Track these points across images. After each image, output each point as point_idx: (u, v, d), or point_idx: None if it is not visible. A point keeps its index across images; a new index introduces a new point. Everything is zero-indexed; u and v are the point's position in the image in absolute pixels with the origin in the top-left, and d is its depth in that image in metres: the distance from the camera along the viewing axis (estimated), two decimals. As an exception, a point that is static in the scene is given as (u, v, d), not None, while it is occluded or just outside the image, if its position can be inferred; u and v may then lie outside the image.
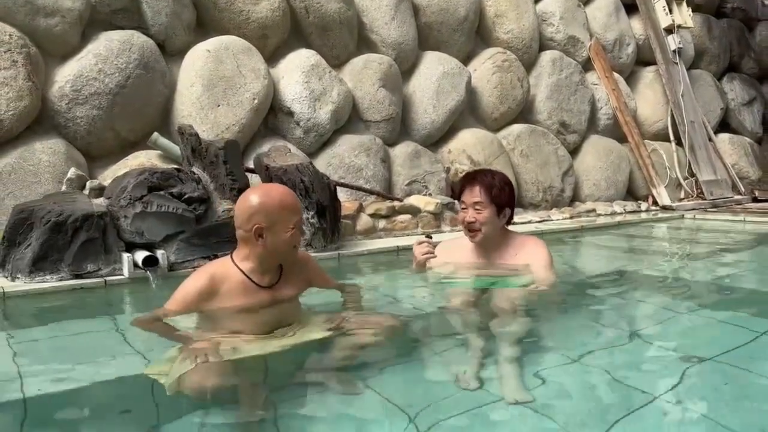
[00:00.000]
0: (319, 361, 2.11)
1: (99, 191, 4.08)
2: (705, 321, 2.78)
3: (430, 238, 2.94)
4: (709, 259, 4.54)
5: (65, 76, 4.64)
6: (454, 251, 3.11)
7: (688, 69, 9.07)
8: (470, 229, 2.90)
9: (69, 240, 3.45)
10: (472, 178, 2.94)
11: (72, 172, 4.27)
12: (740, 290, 3.44)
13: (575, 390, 1.95)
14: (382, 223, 5.17)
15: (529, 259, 2.96)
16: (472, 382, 1.91)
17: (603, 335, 2.50)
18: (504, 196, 2.89)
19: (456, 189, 6.19)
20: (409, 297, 3.16)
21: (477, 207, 2.85)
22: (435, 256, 2.89)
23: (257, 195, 2.20)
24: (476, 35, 7.31)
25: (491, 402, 1.80)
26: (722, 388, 1.91)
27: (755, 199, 8.50)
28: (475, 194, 2.86)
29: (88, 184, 4.18)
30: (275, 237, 2.16)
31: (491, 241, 2.95)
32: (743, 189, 8.74)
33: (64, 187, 4.23)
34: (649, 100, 8.63)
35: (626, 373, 2.05)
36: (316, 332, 2.17)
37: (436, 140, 6.65)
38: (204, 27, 5.59)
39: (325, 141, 5.76)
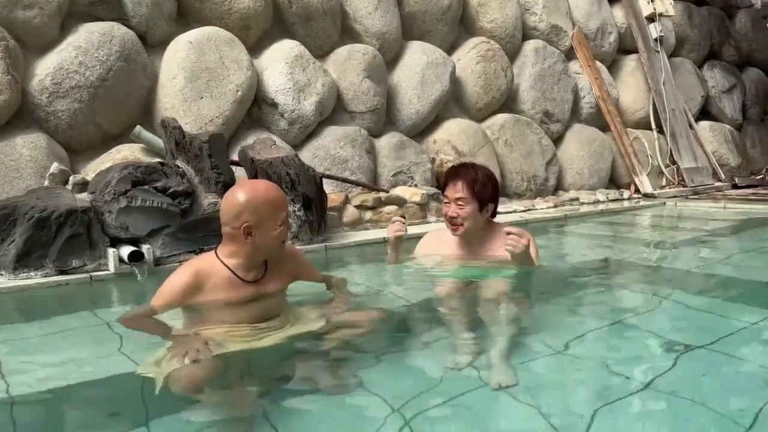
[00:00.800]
0: (306, 355, 2.12)
1: (82, 186, 4.05)
2: (689, 308, 2.84)
3: (404, 218, 3.03)
4: (691, 246, 4.62)
5: (45, 69, 4.57)
6: (438, 242, 3.14)
7: (669, 57, 9.14)
8: (452, 223, 2.93)
9: (53, 236, 3.42)
10: (455, 173, 2.95)
11: (54, 166, 4.22)
12: (722, 277, 3.50)
13: (560, 378, 1.99)
14: (368, 215, 5.18)
15: None
16: (458, 368, 1.97)
17: (587, 324, 2.54)
18: (487, 191, 2.91)
19: (441, 180, 6.22)
20: (395, 289, 3.18)
21: (459, 202, 2.88)
22: (405, 232, 3.03)
23: (244, 192, 2.18)
24: (460, 24, 7.31)
25: (476, 391, 1.83)
26: (706, 375, 1.96)
27: (735, 186, 8.62)
28: (457, 190, 2.87)
29: (71, 178, 4.14)
30: (264, 234, 2.16)
31: (475, 234, 2.98)
32: (723, 176, 8.86)
33: (46, 182, 4.19)
34: (631, 88, 8.69)
35: (611, 361, 2.09)
36: (304, 326, 2.19)
37: (421, 131, 6.66)
38: (185, 18, 5.53)
39: (310, 132, 5.74)
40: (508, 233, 2.72)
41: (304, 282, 2.61)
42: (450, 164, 6.10)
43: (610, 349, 2.26)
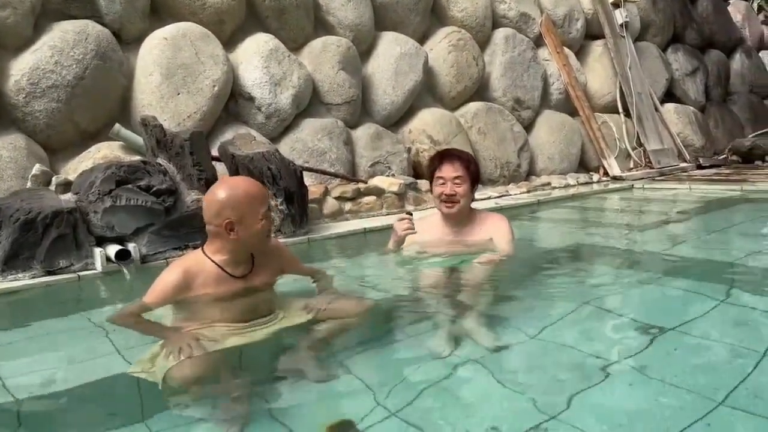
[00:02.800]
0: (296, 348, 2.18)
1: (65, 186, 4.07)
2: (659, 290, 2.97)
3: (411, 215, 3.08)
4: (659, 228, 4.79)
5: (21, 69, 4.55)
6: (423, 229, 3.25)
7: (635, 41, 9.36)
8: (450, 201, 3.06)
9: (40, 237, 3.46)
10: (449, 154, 3.16)
11: (37, 168, 4.23)
12: (689, 258, 3.65)
13: (539, 362, 2.09)
14: (348, 206, 5.28)
15: (492, 233, 3.14)
16: (442, 357, 2.09)
17: (563, 307, 2.65)
18: (477, 172, 3.17)
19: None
20: (379, 279, 3.27)
21: (456, 181, 3.04)
22: (415, 232, 3.05)
23: (223, 189, 2.24)
24: (431, 14, 7.40)
25: (460, 377, 1.93)
26: (678, 354, 2.07)
27: (700, 166, 8.89)
28: (456, 169, 3.05)
29: (53, 179, 4.16)
30: (246, 229, 2.21)
31: (460, 217, 3.11)
32: (688, 157, 9.13)
33: (29, 184, 4.20)
34: (598, 73, 8.89)
35: (586, 343, 2.20)
36: (293, 319, 2.25)
37: (396, 121, 6.76)
38: (159, 14, 5.52)
39: (287, 126, 5.80)
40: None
41: (291, 275, 2.68)
42: (426, 153, 6.25)
43: (585, 332, 2.36)
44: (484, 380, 1.91)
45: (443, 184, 3.06)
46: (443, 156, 3.15)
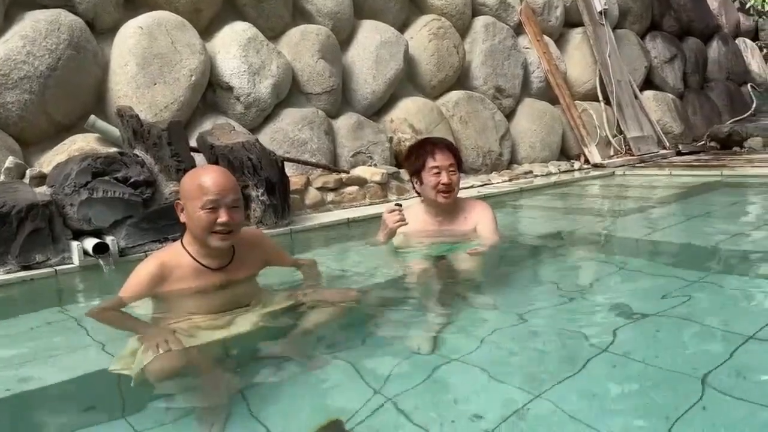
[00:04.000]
0: (279, 338, 2.14)
1: (40, 179, 3.97)
2: (642, 274, 2.99)
3: (400, 206, 2.99)
4: (640, 214, 4.82)
5: (-9, 59, 4.44)
6: (412, 220, 3.21)
7: (614, 29, 9.40)
8: (447, 191, 3.01)
9: (14, 231, 3.36)
10: (438, 143, 3.09)
11: (10, 160, 4.12)
12: (670, 243, 3.68)
13: (524, 347, 2.08)
14: (330, 196, 5.23)
15: (477, 222, 3.13)
16: (427, 346, 2.06)
17: (547, 294, 2.65)
18: (461, 160, 3.15)
19: (401, 158, 6.29)
20: (364, 269, 3.24)
21: (451, 169, 3.00)
22: (406, 224, 2.96)
23: (188, 173, 2.24)
24: (410, 2, 7.35)
25: (447, 366, 1.90)
26: (660, 337, 2.07)
27: (679, 153, 8.97)
28: (448, 157, 3.01)
29: (27, 172, 4.05)
30: (189, 215, 2.15)
31: (447, 206, 3.07)
32: (668, 144, 9.21)
33: (2, 177, 4.09)
34: (577, 61, 8.91)
35: (571, 329, 2.19)
36: (274, 307, 2.22)
37: (378, 110, 6.71)
38: (133, 3, 5.41)
39: (267, 116, 5.73)
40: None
41: (274, 267, 2.64)
42: (407, 143, 6.20)
43: (568, 318, 2.36)
44: (469, 367, 1.90)
45: (438, 173, 2.99)
46: (435, 144, 3.07)
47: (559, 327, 2.22)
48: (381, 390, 1.76)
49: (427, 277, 2.89)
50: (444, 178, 2.98)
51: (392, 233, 3.03)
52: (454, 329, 2.23)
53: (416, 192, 3.19)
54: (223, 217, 2.12)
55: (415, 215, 3.13)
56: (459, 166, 3.08)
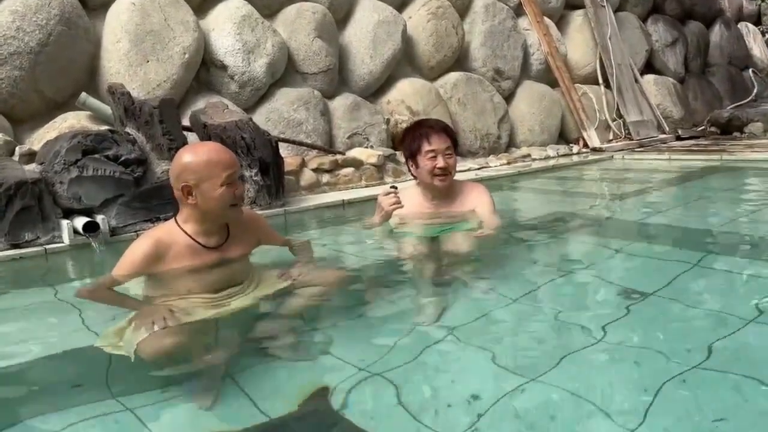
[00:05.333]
0: (272, 317, 2.14)
1: (29, 157, 3.91)
2: (639, 258, 2.97)
3: (396, 189, 2.94)
4: (639, 198, 4.79)
5: (-20, 35, 4.35)
6: (408, 202, 3.16)
7: (615, 12, 9.28)
8: (444, 174, 2.95)
9: (3, 209, 3.32)
10: (434, 125, 3.01)
11: (-1, 137, 4.06)
12: (668, 227, 3.66)
13: (520, 328, 2.07)
14: (325, 178, 5.17)
15: (474, 205, 3.07)
16: (424, 325, 2.06)
17: (544, 276, 2.64)
18: (458, 142, 3.09)
19: (398, 139, 6.22)
20: (359, 250, 3.23)
21: (447, 153, 2.94)
22: (402, 206, 2.91)
23: (185, 152, 2.16)
24: (409, -19, 7.23)
25: (442, 346, 1.89)
26: (657, 320, 2.06)
27: (679, 138, 8.90)
28: (445, 140, 2.95)
29: (17, 149, 3.99)
30: (204, 195, 2.11)
31: (444, 189, 3.02)
32: (667, 128, 9.14)
33: (-10, 154, 4.03)
34: (578, 44, 8.80)
35: (567, 311, 2.18)
36: (269, 288, 2.20)
37: (375, 91, 6.62)
38: (126, -22, 5.30)
39: (261, 95, 5.65)
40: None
41: (268, 246, 2.61)
42: (404, 124, 6.13)
43: (566, 300, 2.35)
44: (465, 347, 1.89)
45: (434, 157, 2.93)
46: (431, 127, 2.99)
47: (555, 309, 2.21)
48: (370, 368, 1.74)
49: (422, 258, 2.86)
50: (440, 162, 2.92)
51: (388, 216, 2.97)
52: (449, 310, 2.21)
53: (412, 175, 3.13)
54: (240, 189, 2.17)
55: (411, 198, 3.08)
56: (455, 148, 3.02)
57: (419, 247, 2.95)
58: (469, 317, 2.12)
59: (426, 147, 2.93)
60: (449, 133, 3.01)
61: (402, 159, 5.64)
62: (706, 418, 1.42)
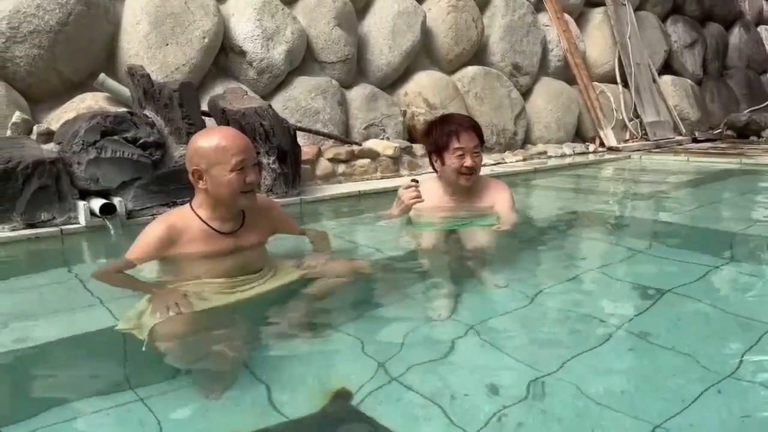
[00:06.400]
0: (287, 307, 2.10)
1: (47, 136, 3.87)
2: (661, 258, 2.91)
3: (417, 182, 2.87)
4: (659, 197, 4.73)
5: (0, 12, 4.29)
6: (424, 194, 3.12)
7: (635, 10, 9.18)
8: (470, 173, 2.90)
9: (20, 188, 3.29)
10: (464, 122, 2.93)
11: (17, 116, 4.02)
12: (691, 226, 3.61)
13: (537, 325, 2.03)
14: (341, 168, 5.12)
15: (494, 201, 3.03)
16: (439, 319, 2.03)
17: (562, 273, 2.60)
18: (485, 140, 3.03)
19: (414, 132, 6.17)
20: (375, 241, 3.18)
21: (475, 151, 2.88)
22: (423, 200, 2.84)
23: (198, 136, 2.13)
24: (430, -27, 7.15)
25: (458, 342, 1.85)
26: (679, 319, 2.02)
27: (695, 140, 8.82)
28: (473, 138, 2.88)
29: (35, 128, 3.95)
30: (213, 180, 2.07)
31: (466, 186, 2.97)
32: (684, 130, 9.05)
33: (8, 132, 4.00)
34: (597, 41, 8.71)
35: (586, 309, 2.15)
36: (284, 277, 2.17)
37: (392, 82, 6.56)
38: (147, -41, 5.25)
39: (279, 83, 5.60)
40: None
41: (284, 235, 2.58)
42: (421, 117, 6.08)
43: (585, 298, 2.31)
44: (482, 343, 1.85)
45: (462, 155, 2.86)
46: (460, 124, 2.91)
47: (572, 306, 2.17)
48: (389, 364, 1.71)
49: (439, 252, 2.82)
50: (468, 161, 2.87)
51: (407, 209, 2.91)
52: (466, 305, 2.18)
53: (434, 169, 3.08)
54: (251, 176, 2.10)
55: (431, 191, 3.03)
56: (482, 146, 2.97)
57: (436, 240, 2.91)
58: (487, 312, 2.09)
59: (455, 144, 2.87)
60: (478, 131, 2.94)
61: (419, 152, 5.62)
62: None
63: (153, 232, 2.13)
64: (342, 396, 1.56)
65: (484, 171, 5.46)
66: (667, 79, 9.51)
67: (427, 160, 2.98)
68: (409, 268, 2.73)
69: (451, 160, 2.89)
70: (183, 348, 1.71)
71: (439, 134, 2.94)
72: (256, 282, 2.12)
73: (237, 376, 1.66)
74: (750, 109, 10.21)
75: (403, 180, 4.76)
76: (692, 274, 2.47)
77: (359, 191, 4.60)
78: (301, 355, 1.79)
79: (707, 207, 4.29)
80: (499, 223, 2.88)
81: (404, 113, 6.32)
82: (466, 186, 2.94)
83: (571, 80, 8.21)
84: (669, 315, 2.07)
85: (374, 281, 2.47)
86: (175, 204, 3.66)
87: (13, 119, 4.01)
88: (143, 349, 1.64)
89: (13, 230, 3.27)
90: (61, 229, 3.37)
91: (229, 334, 1.96)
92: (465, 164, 2.86)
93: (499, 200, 3.03)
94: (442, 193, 3.04)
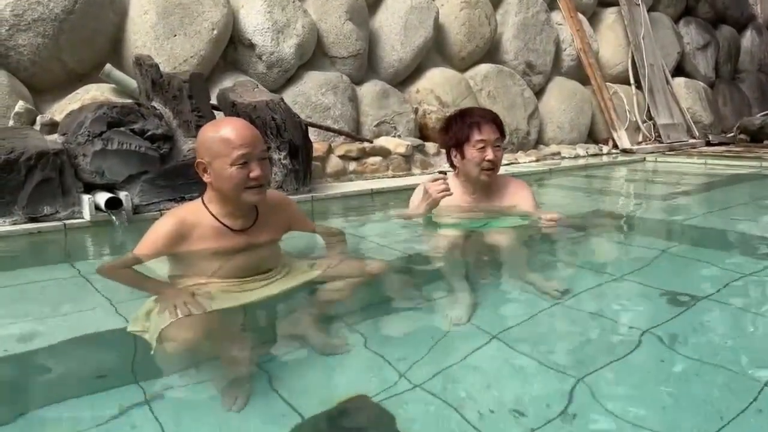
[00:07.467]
0: (302, 309, 2.00)
1: (51, 127, 3.74)
2: (686, 259, 2.80)
3: (445, 174, 2.73)
4: (677, 200, 4.62)
5: (4, -1, 4.18)
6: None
7: (648, 11, 9.04)
8: (491, 167, 2.77)
9: (22, 180, 3.16)
10: (485, 115, 2.82)
11: (20, 105, 3.89)
12: (718, 230, 3.47)
13: (563, 331, 1.93)
14: (352, 165, 4.99)
15: (516, 200, 2.91)
16: (459, 324, 1.93)
17: (587, 276, 2.49)
18: (506, 134, 2.90)
19: (425, 130, 6.03)
20: (392, 241, 3.05)
21: (497, 144, 2.76)
22: (451, 194, 2.71)
23: (206, 127, 2.03)
24: (443, -32, 7.02)
25: (480, 348, 1.75)
26: (712, 328, 1.91)
27: (708, 143, 8.69)
28: (495, 131, 2.77)
29: (38, 118, 3.83)
30: (216, 174, 1.96)
31: (488, 182, 2.84)
32: (697, 133, 8.91)
33: (11, 122, 3.86)
34: (610, 42, 8.58)
35: (613, 313, 2.05)
36: (299, 278, 2.04)
37: (404, 79, 6.43)
38: (156, -52, 5.12)
39: (289, 77, 5.47)
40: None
41: (299, 233, 2.45)
42: (433, 115, 5.94)
43: (612, 302, 2.20)
44: (506, 350, 1.74)
45: (483, 148, 2.73)
46: (482, 117, 2.79)
47: (600, 311, 2.06)
48: (410, 371, 1.60)
49: (459, 253, 2.70)
50: (489, 153, 2.73)
51: (435, 203, 2.75)
52: (486, 309, 2.07)
53: (452, 165, 2.94)
54: (256, 171, 1.95)
55: (453, 188, 2.89)
56: (503, 141, 2.85)
57: (456, 240, 2.79)
58: (508, 317, 2.00)
59: (476, 136, 2.74)
60: (499, 125, 2.82)
61: (431, 150, 5.48)
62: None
63: (163, 227, 2.00)
64: (358, 402, 1.47)
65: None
66: (679, 81, 9.38)
67: (439, 159, 2.85)
68: (427, 270, 2.62)
69: (472, 153, 2.75)
70: (194, 352, 1.60)
71: (459, 126, 2.81)
72: (269, 282, 2.00)
73: (252, 380, 1.56)
74: (763, 113, 10.06)
75: (417, 179, 4.64)
76: (727, 281, 2.34)
77: (371, 189, 4.46)
78: (314, 363, 1.69)
79: (734, 210, 4.15)
80: (544, 221, 2.76)
81: (416, 111, 6.18)
82: (486, 182, 2.81)
83: (584, 80, 8.08)
84: (700, 321, 1.95)
85: (391, 283, 2.34)
86: (183, 200, 3.53)
87: (16, 109, 3.88)
88: (152, 353, 1.53)
89: (14, 224, 3.15)
90: (65, 224, 3.24)
91: (244, 336, 1.87)
92: (486, 157, 2.73)
93: (521, 199, 2.91)
94: (462, 191, 2.91)
